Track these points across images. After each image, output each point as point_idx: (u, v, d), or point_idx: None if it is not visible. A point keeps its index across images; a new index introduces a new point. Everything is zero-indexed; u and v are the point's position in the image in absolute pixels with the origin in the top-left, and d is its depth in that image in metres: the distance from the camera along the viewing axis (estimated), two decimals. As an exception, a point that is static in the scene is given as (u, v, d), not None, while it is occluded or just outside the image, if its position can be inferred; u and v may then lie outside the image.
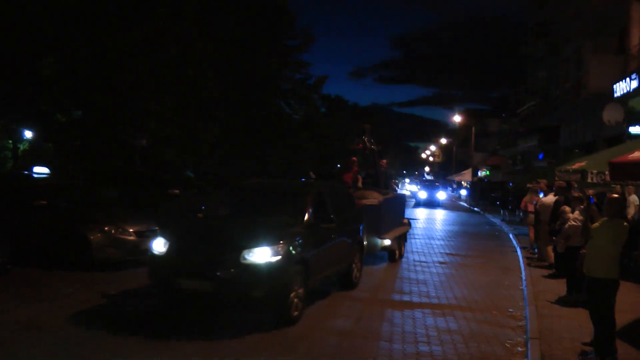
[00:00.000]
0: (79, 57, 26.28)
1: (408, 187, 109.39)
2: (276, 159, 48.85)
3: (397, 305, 13.01)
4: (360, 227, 15.23)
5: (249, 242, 10.58)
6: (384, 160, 22.22)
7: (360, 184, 19.76)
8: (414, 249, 22.92)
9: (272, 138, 46.90)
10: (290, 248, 10.88)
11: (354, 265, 14.38)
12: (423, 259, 20.49)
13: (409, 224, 22.21)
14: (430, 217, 43.02)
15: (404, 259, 20.05)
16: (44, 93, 27.23)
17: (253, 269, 10.34)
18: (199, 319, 11.09)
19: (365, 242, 15.60)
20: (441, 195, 62.31)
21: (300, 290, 11.07)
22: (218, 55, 35.52)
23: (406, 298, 13.86)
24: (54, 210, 15.62)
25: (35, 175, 20.83)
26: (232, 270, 10.30)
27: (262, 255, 10.39)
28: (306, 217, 12.14)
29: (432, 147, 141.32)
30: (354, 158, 20.83)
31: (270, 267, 10.38)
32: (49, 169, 26.90)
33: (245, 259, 10.35)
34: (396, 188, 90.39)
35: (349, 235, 14.23)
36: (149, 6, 27.69)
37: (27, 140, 31.20)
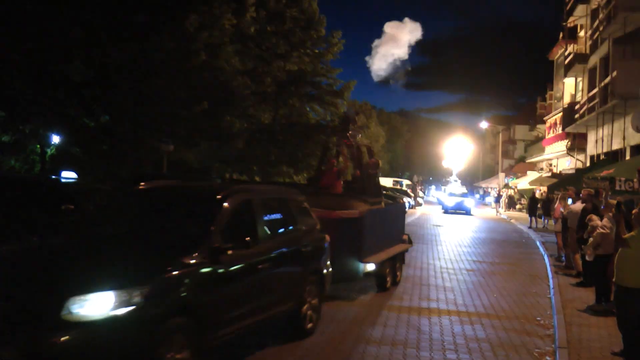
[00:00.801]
0: (108, 63, 26.45)
1: (435, 194, 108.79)
2: (303, 164, 48.77)
3: (424, 311, 12.96)
4: (323, 250, 11.35)
5: (80, 284, 6.72)
6: (373, 160, 17.04)
7: (340, 190, 15.99)
8: (441, 256, 22.85)
9: (300, 143, 46.87)
10: (162, 290, 7.13)
11: (306, 305, 10.39)
12: (450, 265, 20.40)
13: (410, 241, 17.96)
14: (457, 224, 42.80)
15: (430, 266, 19.96)
16: (73, 98, 27.41)
17: (82, 329, 6.40)
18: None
19: (327, 271, 11.38)
20: (470, 202, 59.51)
21: (182, 355, 7.26)
22: (246, 60, 35.75)
23: (433, 305, 13.79)
24: (82, 215, 15.69)
25: (63, 180, 20.91)
26: (49, 331, 6.35)
27: (99, 305, 6.52)
28: (209, 237, 8.12)
29: (460, 154, 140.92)
30: (334, 159, 16.69)
31: (115, 324, 6.53)
32: (76, 173, 27.04)
33: (70, 312, 6.43)
34: (423, 195, 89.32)
35: (299, 263, 10.31)
36: (179, 12, 27.81)
37: (55, 144, 31.39)
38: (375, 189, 16.64)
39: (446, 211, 56.81)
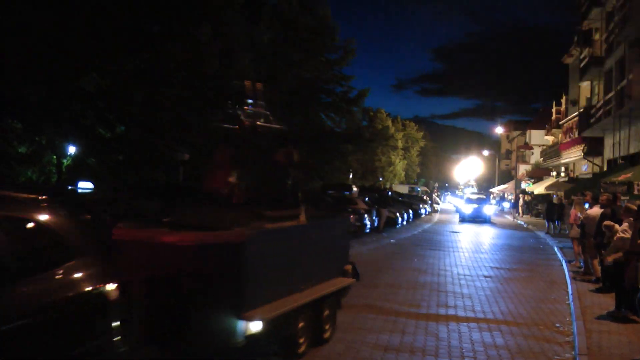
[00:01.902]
0: (122, 73, 26.56)
1: (451, 200, 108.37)
2: (318, 172, 48.86)
3: (442, 318, 12.83)
4: (99, 311, 6.25)
5: None
6: (285, 150, 10.64)
7: (236, 198, 10.02)
8: (458, 262, 22.73)
9: (314, 151, 46.97)
10: None
11: None
12: (467, 272, 20.25)
13: (355, 274, 11.93)
14: (474, 230, 42.62)
15: (447, 273, 19.82)
16: (88, 108, 27.54)
17: None
18: None
19: (118, 350, 6.34)
20: (489, 209, 55.72)
21: None
22: (260, 68, 35.88)
23: (451, 312, 13.65)
24: (98, 224, 15.71)
25: (80, 190, 20.97)
26: None
27: None
28: None
29: (475, 160, 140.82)
30: (226, 149, 10.42)
31: None
32: (92, 183, 27.15)
33: None
34: (439, 201, 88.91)
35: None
36: (191, 21, 27.93)
37: (71, 155, 31.53)
38: (289, 195, 10.71)
39: (463, 219, 53.59)
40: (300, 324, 9.54)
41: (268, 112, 11.11)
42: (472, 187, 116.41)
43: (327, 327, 10.60)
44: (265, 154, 10.58)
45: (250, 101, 10.89)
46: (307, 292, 9.69)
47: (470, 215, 53.21)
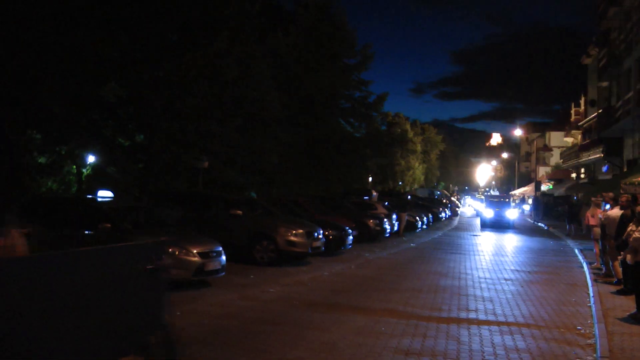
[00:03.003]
0: (142, 82, 26.70)
1: (471, 203, 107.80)
2: (338, 177, 48.88)
3: (463, 322, 12.81)
4: None
5: None
6: None
7: None
8: (479, 266, 22.68)
9: (334, 156, 47.03)
10: None
11: None
12: (488, 275, 20.21)
13: (167, 350, 6.81)
14: (494, 233, 42.49)
15: (468, 276, 19.76)
16: (107, 118, 27.70)
17: None
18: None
19: None
20: (512, 213, 51.82)
21: None
22: (279, 75, 36.02)
23: (472, 315, 13.62)
24: (118, 233, 15.83)
25: (100, 199, 21.09)
26: None
27: None
28: None
29: (494, 162, 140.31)
30: None
31: None
32: (112, 192, 27.27)
33: None
34: (459, 205, 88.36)
35: None
36: (210, 29, 28.05)
37: (91, 164, 31.72)
38: None
39: (484, 224, 50.37)
40: None
41: None
42: (492, 190, 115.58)
43: None
44: None
45: None
46: None
47: (492, 220, 49.88)
